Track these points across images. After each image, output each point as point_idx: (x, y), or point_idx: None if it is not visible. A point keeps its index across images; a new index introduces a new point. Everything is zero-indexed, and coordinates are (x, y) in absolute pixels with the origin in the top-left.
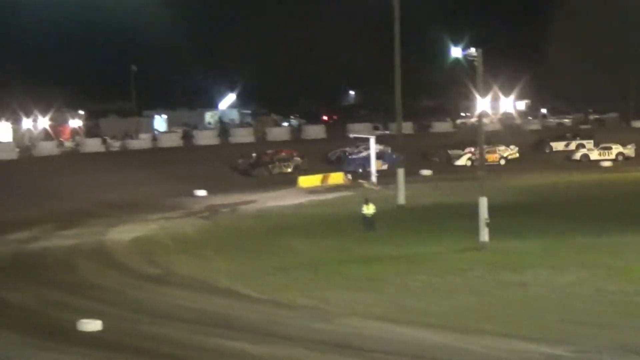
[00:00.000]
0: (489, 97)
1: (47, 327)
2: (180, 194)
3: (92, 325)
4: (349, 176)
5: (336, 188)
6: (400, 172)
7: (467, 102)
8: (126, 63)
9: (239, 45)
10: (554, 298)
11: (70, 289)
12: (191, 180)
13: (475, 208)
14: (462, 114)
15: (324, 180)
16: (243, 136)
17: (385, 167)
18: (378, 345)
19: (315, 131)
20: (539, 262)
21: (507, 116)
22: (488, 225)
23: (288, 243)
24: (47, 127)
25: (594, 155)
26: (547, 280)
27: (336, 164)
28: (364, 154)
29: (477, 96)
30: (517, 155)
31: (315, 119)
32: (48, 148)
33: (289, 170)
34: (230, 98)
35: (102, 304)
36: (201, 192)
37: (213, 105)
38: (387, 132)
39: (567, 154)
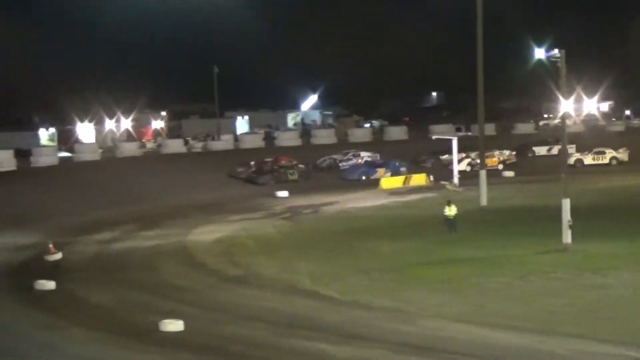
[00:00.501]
0: (572, 99)
1: (130, 327)
2: (261, 195)
3: (174, 325)
4: (431, 177)
5: (418, 189)
6: (482, 173)
7: (550, 104)
8: (209, 64)
9: (321, 47)
10: (638, 300)
11: (152, 290)
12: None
13: (557, 210)
14: (545, 116)
15: (405, 181)
16: (325, 137)
17: (388, 174)
18: (459, 347)
19: (397, 132)
20: (622, 264)
21: (590, 118)
22: (571, 227)
23: (369, 244)
24: (130, 128)
25: (588, 160)
26: (630, 282)
27: (327, 172)
28: (353, 161)
29: (560, 97)
30: (515, 159)
31: (397, 120)
32: (130, 149)
33: (295, 177)
34: (312, 99)
35: (184, 304)
36: (283, 193)
37: (295, 107)
38: (470, 133)
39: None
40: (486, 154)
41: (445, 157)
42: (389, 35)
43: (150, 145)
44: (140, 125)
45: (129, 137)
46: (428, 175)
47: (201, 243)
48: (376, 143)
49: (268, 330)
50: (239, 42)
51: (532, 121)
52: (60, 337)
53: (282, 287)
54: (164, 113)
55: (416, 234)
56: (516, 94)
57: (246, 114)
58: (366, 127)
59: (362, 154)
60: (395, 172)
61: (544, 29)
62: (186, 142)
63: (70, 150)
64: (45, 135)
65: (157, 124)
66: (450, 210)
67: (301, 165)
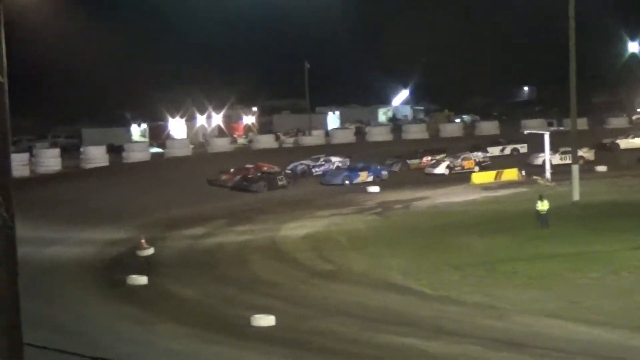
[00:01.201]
0: None
1: (221, 322)
2: (352, 191)
3: (265, 320)
4: (523, 172)
5: (510, 184)
6: (575, 168)
7: None
8: (299, 60)
9: (411, 42)
10: None
11: (244, 285)
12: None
13: None
14: (639, 110)
15: (497, 176)
16: (416, 132)
17: (370, 179)
18: (551, 343)
19: (488, 127)
20: None
21: None
22: None
23: (461, 240)
24: (221, 124)
25: (556, 159)
26: None
27: (300, 177)
28: (325, 166)
29: None
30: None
31: (488, 115)
32: (221, 144)
33: (284, 183)
34: (403, 94)
35: (275, 299)
36: (374, 189)
37: (386, 102)
38: (562, 128)
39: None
40: (463, 156)
41: (412, 160)
42: (481, 29)
43: (241, 140)
44: (231, 121)
45: (220, 132)
46: (520, 170)
47: (291, 238)
48: (467, 138)
49: (358, 325)
50: (331, 37)
51: (624, 115)
52: (152, 333)
53: (372, 282)
54: (255, 108)
55: (508, 229)
56: (609, 88)
57: (337, 110)
58: (457, 122)
59: (333, 159)
60: (377, 176)
61: (638, 22)
62: (277, 138)
63: (161, 146)
64: (137, 131)
65: (249, 119)
66: (543, 205)
67: (288, 171)
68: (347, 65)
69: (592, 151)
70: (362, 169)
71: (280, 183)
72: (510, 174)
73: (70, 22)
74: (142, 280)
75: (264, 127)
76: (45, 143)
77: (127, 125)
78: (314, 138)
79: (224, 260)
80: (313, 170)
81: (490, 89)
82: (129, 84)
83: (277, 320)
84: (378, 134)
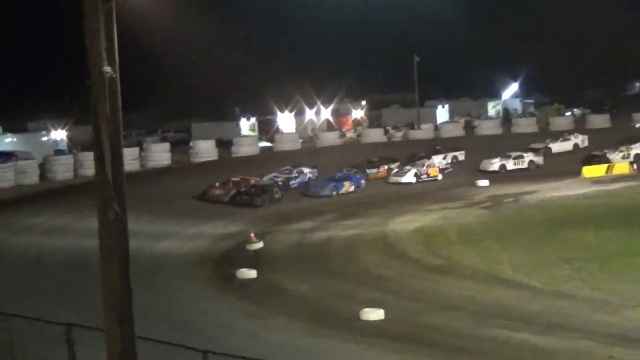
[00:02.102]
0: None
1: (330, 316)
2: (461, 184)
3: (375, 314)
4: (635, 166)
5: (621, 178)
6: None
7: None
8: (408, 53)
9: (520, 35)
10: None
11: (353, 279)
12: (472, 170)
13: None
14: None
15: (608, 170)
16: (526, 126)
17: (352, 188)
18: None
19: (599, 120)
20: None
21: None
22: None
23: (572, 233)
24: (330, 118)
25: (510, 165)
26: None
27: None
28: (300, 178)
29: None
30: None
31: (599, 109)
32: (330, 138)
33: (279, 195)
34: (513, 88)
35: (384, 293)
36: (483, 182)
37: (496, 96)
38: None
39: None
40: (427, 164)
41: (373, 170)
42: (588, 22)
43: (350, 134)
44: (340, 115)
45: (328, 126)
46: (632, 164)
47: (401, 232)
48: (577, 131)
49: (468, 319)
50: (440, 30)
51: None
52: (261, 326)
53: (482, 276)
54: (364, 102)
55: (621, 223)
56: None
57: (446, 103)
58: (568, 116)
59: (305, 169)
60: (357, 186)
61: None
62: (386, 132)
63: (270, 140)
64: (246, 125)
65: (357, 113)
66: None
67: (280, 182)
68: (457, 58)
69: (542, 156)
70: (344, 179)
71: (277, 196)
72: (622, 167)
73: (182, 18)
74: (252, 274)
75: (372, 121)
76: (154, 137)
77: (236, 120)
78: (423, 132)
79: (334, 254)
80: (291, 183)
81: (602, 82)
82: (238, 79)
83: (387, 314)
84: (487, 128)
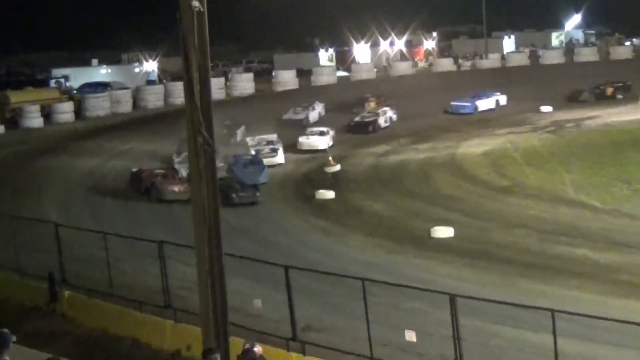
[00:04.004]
0: None
1: (403, 234)
2: (526, 110)
3: (444, 232)
4: None
5: None
6: None
7: None
8: None
9: None
10: None
11: (425, 199)
12: (537, 97)
13: None
14: None
15: None
16: (587, 55)
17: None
18: None
19: None
20: None
21: None
22: None
23: (632, 156)
24: (403, 49)
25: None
26: None
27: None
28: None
29: None
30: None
31: None
32: (403, 68)
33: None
34: (576, 19)
35: (454, 213)
36: (547, 108)
37: (559, 26)
38: None
39: None
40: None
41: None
42: None
43: (422, 64)
44: (412, 46)
45: (402, 57)
46: None
47: (470, 155)
48: (636, 61)
49: (533, 237)
50: None
51: None
52: (338, 243)
53: (546, 196)
54: (435, 34)
55: None
56: None
57: (512, 34)
58: (627, 45)
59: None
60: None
61: None
62: (455, 61)
63: (347, 70)
64: (324, 56)
65: (429, 44)
66: None
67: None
68: None
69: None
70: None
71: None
72: None
73: None
74: (330, 194)
75: (443, 51)
76: (239, 68)
77: (315, 51)
78: (490, 61)
79: (407, 176)
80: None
81: None
82: (317, 11)
83: (456, 232)
84: (551, 57)
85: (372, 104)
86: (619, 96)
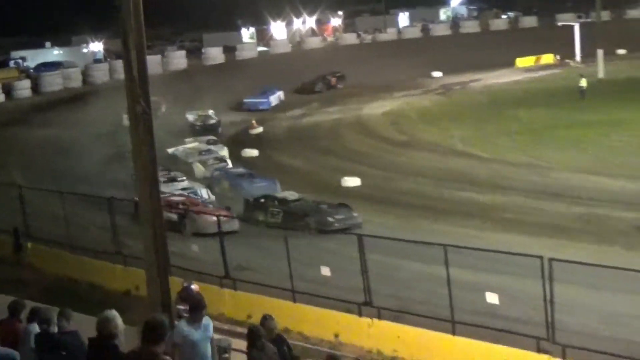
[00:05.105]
0: None
1: (319, 184)
2: (420, 76)
3: (352, 181)
4: (558, 57)
5: (547, 67)
6: (600, 52)
7: None
8: None
9: None
10: None
11: (336, 154)
12: (429, 64)
13: None
14: None
15: (537, 60)
16: (470, 27)
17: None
18: (584, 193)
19: (529, 21)
20: None
21: None
22: None
23: (510, 112)
24: (313, 26)
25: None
26: None
27: None
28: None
29: None
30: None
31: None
32: (314, 43)
33: None
34: None
35: (362, 165)
36: (437, 74)
37: (446, 3)
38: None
39: None
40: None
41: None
42: None
43: (330, 39)
44: (321, 24)
45: (312, 33)
46: (555, 54)
47: (373, 116)
48: (511, 31)
49: (430, 184)
50: None
51: None
52: None
53: (439, 149)
54: (340, 12)
55: (549, 103)
56: None
57: (407, 11)
58: (504, 18)
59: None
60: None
61: None
62: (358, 36)
63: (266, 45)
64: (246, 34)
65: (335, 21)
66: (583, 82)
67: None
68: None
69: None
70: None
71: None
72: (548, 58)
73: None
74: (254, 153)
75: (347, 27)
76: (174, 47)
77: (238, 30)
78: (388, 35)
79: (319, 135)
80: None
81: None
82: None
83: (363, 181)
84: (440, 30)
85: None
86: (339, 85)
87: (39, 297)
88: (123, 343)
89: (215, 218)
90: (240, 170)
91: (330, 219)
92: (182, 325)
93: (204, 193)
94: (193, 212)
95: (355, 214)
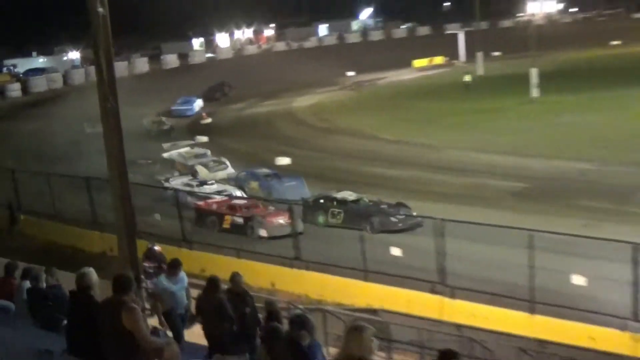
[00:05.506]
0: None
1: (259, 162)
2: (336, 75)
3: (284, 160)
4: (447, 58)
5: (438, 66)
6: (479, 54)
7: None
8: None
9: None
10: (586, 131)
11: (271, 138)
12: (344, 66)
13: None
14: None
15: (430, 61)
16: (376, 36)
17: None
18: (471, 167)
19: (424, 30)
20: (576, 108)
21: None
22: (537, 86)
23: (409, 103)
24: (251, 36)
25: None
26: (581, 121)
27: None
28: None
29: None
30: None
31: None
32: (252, 50)
33: None
34: (368, 11)
35: (292, 147)
36: (351, 73)
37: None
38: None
39: None
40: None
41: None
42: None
43: (264, 46)
44: (257, 34)
45: (250, 42)
46: (444, 56)
47: (301, 108)
48: (409, 38)
49: (348, 162)
50: None
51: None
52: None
53: (355, 133)
54: (273, 24)
55: (441, 96)
56: None
57: (326, 23)
58: (403, 28)
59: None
60: (266, 188)
61: None
62: (287, 44)
63: (213, 52)
64: (197, 43)
65: (269, 32)
66: (467, 78)
67: None
68: None
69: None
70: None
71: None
72: (438, 60)
73: None
74: (205, 138)
75: (279, 36)
76: (137, 54)
77: (190, 40)
78: (311, 42)
79: (258, 124)
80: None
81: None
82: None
83: (293, 160)
84: (352, 38)
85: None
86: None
87: (30, 259)
88: (98, 294)
89: (281, 220)
90: (266, 170)
91: (393, 219)
92: (162, 280)
93: (239, 194)
94: (259, 216)
95: (414, 213)
